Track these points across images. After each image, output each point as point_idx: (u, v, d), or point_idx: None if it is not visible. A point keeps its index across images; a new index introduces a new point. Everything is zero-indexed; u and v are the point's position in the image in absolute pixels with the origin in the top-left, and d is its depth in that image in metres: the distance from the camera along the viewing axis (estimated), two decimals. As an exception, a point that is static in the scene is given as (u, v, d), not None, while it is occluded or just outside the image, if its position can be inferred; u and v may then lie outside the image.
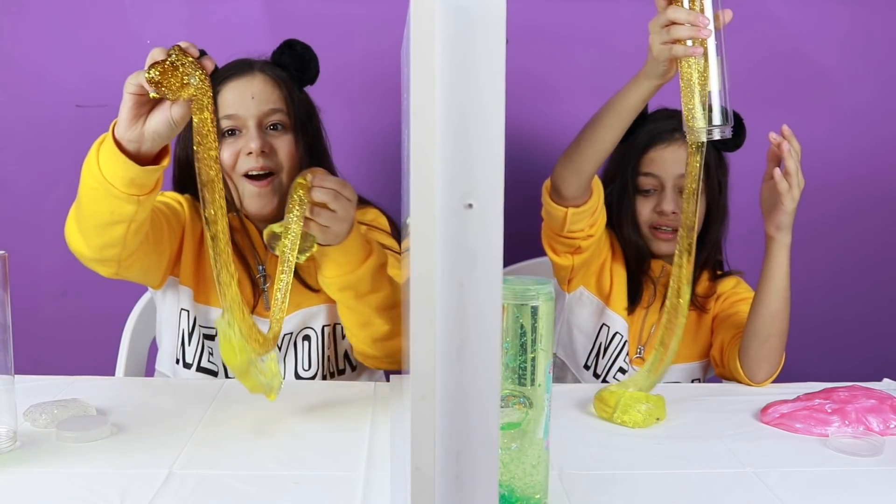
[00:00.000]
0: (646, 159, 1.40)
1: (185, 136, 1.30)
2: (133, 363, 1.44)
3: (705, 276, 1.47)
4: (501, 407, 0.79)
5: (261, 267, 1.35)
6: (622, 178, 1.42)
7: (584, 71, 1.79)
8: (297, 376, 1.34)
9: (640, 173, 1.40)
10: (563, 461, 0.96)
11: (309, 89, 1.38)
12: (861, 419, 1.09)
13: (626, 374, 1.42)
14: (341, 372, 1.38)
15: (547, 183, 1.30)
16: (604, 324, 1.45)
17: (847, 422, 1.08)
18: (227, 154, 1.28)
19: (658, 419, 1.10)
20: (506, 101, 0.58)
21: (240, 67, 1.31)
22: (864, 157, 1.88)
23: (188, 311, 1.33)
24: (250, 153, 1.26)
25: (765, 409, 1.14)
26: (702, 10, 1.06)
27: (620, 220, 1.43)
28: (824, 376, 1.31)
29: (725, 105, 1.07)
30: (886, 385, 1.28)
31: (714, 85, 1.05)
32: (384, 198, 1.45)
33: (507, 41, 0.57)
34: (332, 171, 1.39)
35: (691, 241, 1.11)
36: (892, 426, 1.09)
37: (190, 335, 1.34)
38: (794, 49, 1.83)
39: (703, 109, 1.05)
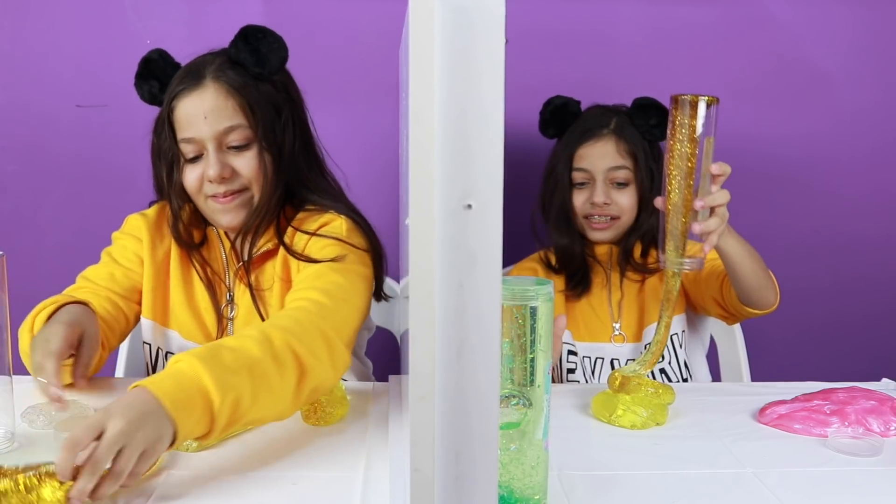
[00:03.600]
0: (577, 155, 1.49)
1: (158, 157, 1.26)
2: (133, 363, 1.44)
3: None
4: (501, 407, 0.79)
5: (229, 294, 1.29)
6: (556, 173, 1.51)
7: (584, 71, 1.79)
8: None
9: (573, 168, 1.50)
10: (562, 462, 0.96)
11: (308, 89, 1.32)
12: (861, 420, 1.08)
13: (575, 372, 1.46)
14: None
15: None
16: None
17: (847, 423, 1.08)
18: (190, 178, 1.21)
19: (658, 423, 1.10)
20: (505, 101, 0.58)
21: (190, 77, 1.20)
22: (864, 157, 1.88)
23: (150, 345, 1.31)
24: (211, 181, 1.20)
25: (762, 409, 1.14)
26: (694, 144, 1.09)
27: (554, 213, 1.52)
28: (823, 377, 1.31)
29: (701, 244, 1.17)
30: (885, 385, 1.27)
31: (693, 228, 1.13)
32: (384, 198, 1.45)
33: (507, 41, 0.57)
34: (317, 160, 1.31)
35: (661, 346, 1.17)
36: (892, 428, 1.08)
37: (153, 367, 1.32)
38: (794, 49, 1.83)
39: (680, 247, 1.12)
